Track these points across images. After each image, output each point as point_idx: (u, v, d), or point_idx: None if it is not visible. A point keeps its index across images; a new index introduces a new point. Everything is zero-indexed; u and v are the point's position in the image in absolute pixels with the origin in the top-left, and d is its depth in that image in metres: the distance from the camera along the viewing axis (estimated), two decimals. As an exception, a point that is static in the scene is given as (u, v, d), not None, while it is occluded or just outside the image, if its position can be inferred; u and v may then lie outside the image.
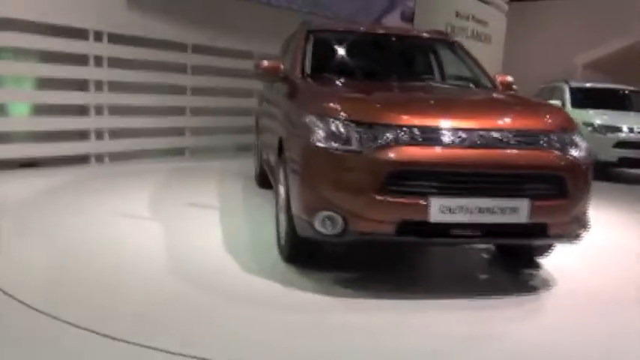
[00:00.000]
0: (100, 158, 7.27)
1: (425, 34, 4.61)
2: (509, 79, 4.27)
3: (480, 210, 2.82)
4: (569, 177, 2.94)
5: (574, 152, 3.02)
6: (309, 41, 4.28)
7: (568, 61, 15.74)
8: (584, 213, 3.09)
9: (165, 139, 8.03)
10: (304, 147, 3.04)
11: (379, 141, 2.84)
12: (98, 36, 6.98)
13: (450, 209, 2.79)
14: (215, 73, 8.44)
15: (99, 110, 7.17)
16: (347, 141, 2.89)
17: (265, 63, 4.18)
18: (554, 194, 2.92)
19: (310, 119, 3.04)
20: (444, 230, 2.87)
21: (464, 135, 2.87)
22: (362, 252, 3.79)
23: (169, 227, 4.24)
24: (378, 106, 3.09)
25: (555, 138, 3.00)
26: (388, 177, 2.79)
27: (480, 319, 2.86)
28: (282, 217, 3.53)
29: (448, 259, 3.97)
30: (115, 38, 7.15)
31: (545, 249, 3.59)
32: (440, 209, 2.79)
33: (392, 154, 2.80)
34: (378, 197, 2.80)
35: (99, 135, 7.23)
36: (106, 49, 7.07)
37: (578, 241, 3.13)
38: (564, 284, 3.39)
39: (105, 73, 7.12)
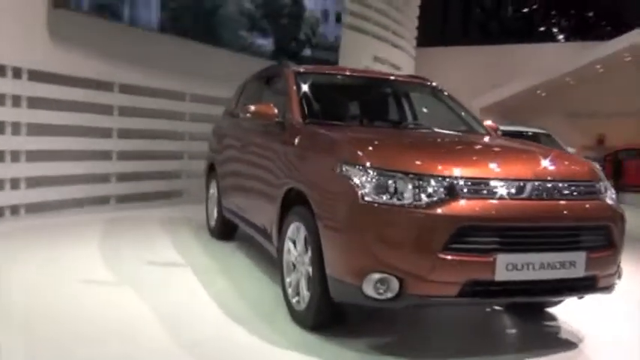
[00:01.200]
0: (15, 210, 6.33)
1: (411, 79, 4.50)
2: (495, 124, 4.28)
3: (542, 266, 2.66)
4: (614, 226, 2.90)
5: (613, 201, 3.00)
6: (300, 85, 4.01)
7: (467, 103, 16.74)
8: (620, 262, 3.06)
9: (88, 186, 7.20)
10: (348, 202, 2.72)
11: (435, 194, 2.61)
12: (17, 73, 6.16)
13: (516, 266, 2.61)
14: (145, 114, 7.82)
15: (15, 156, 6.28)
16: (401, 195, 2.63)
17: (255, 107, 3.85)
18: (604, 245, 2.86)
19: (352, 171, 2.75)
20: (507, 290, 2.68)
21: (521, 186, 2.72)
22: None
23: (147, 295, 3.64)
24: (426, 156, 2.87)
25: (598, 187, 2.96)
26: (456, 234, 2.55)
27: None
28: (303, 281, 3.15)
29: (458, 317, 3.75)
30: (36, 75, 6.35)
31: (559, 300, 3.52)
32: (506, 267, 2.60)
33: (459, 209, 2.58)
34: (443, 256, 2.55)
35: (14, 184, 6.31)
36: (25, 87, 6.25)
37: (612, 292, 3.08)
38: (589, 331, 3.34)
39: (24, 114, 6.28)
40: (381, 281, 2.62)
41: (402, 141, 3.22)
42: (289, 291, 3.37)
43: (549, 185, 2.78)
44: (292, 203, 3.42)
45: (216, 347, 2.93)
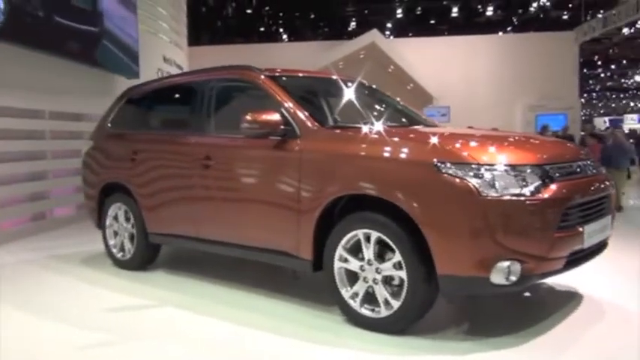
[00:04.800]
0: None
1: (360, 82, 4.62)
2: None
3: (600, 230, 3.24)
4: (613, 193, 3.61)
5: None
6: (285, 88, 3.81)
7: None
8: None
9: None
10: (468, 200, 2.82)
11: (541, 182, 2.92)
12: None
13: (591, 234, 3.12)
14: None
15: None
16: (516, 186, 2.86)
17: (256, 116, 3.55)
18: (612, 209, 3.55)
19: (463, 169, 2.86)
20: (587, 254, 3.17)
21: (578, 166, 3.24)
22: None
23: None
24: (516, 150, 3.15)
25: (596, 163, 3.65)
26: (564, 214, 2.92)
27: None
28: (380, 288, 3.17)
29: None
30: None
31: None
32: (588, 234, 3.08)
33: (561, 192, 2.94)
34: (558, 235, 2.89)
35: None
36: None
37: None
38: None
39: None
40: (509, 268, 2.82)
41: (473, 139, 3.35)
42: (355, 301, 3.28)
43: (584, 164, 3.36)
44: (344, 212, 3.32)
45: None
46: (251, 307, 3.75)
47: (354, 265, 3.28)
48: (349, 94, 4.26)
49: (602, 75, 35.64)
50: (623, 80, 37.22)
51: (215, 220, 4.10)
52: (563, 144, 3.79)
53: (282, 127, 3.58)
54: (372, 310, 3.22)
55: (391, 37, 23.40)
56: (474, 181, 2.84)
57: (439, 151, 3.02)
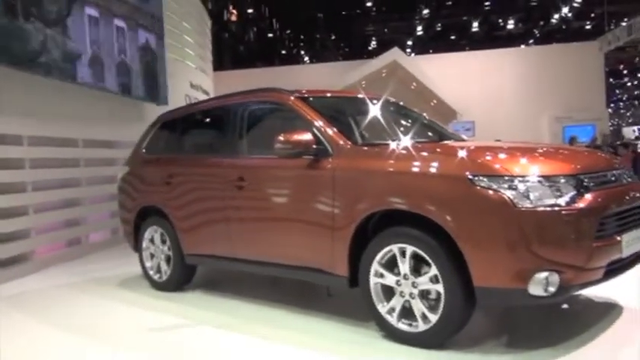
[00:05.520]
0: None
1: (386, 98, 4.69)
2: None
3: (639, 238, 3.20)
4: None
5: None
6: (315, 108, 3.89)
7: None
8: None
9: None
10: (504, 212, 2.83)
11: (576, 192, 2.93)
12: None
13: (628, 242, 3.09)
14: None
15: None
16: (552, 197, 2.87)
17: (290, 136, 3.63)
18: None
19: (496, 182, 2.88)
20: (626, 263, 3.14)
21: (613, 175, 3.23)
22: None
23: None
24: (548, 161, 3.16)
25: (627, 172, 3.62)
26: (601, 223, 2.91)
27: None
28: (417, 302, 3.19)
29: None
30: None
31: None
32: (627, 243, 3.06)
33: (597, 201, 2.94)
34: (596, 245, 2.88)
35: None
36: None
37: None
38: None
39: None
40: (547, 279, 2.82)
41: (505, 151, 3.35)
42: (392, 316, 3.29)
43: (619, 172, 3.34)
44: (376, 228, 3.35)
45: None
46: (288, 326, 3.78)
47: (389, 280, 3.30)
48: (376, 111, 4.32)
49: (629, 84, 35.18)
50: (650, 88, 36.68)
51: (249, 240, 4.17)
52: (595, 154, 3.79)
53: (314, 146, 3.65)
54: (410, 325, 3.23)
55: (412, 55, 23.54)
56: (508, 193, 2.86)
57: (471, 164, 3.04)
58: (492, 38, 24.95)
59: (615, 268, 3.07)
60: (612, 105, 42.23)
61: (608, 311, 3.72)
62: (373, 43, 28.55)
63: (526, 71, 19.75)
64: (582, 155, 3.58)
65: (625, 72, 31.85)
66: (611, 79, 32.05)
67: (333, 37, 28.16)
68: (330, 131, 3.69)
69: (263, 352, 3.36)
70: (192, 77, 12.02)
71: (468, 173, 2.97)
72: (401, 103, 4.88)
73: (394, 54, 17.95)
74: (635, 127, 40.17)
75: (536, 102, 19.19)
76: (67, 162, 7.05)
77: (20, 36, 5.66)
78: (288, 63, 26.39)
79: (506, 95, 19.55)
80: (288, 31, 27.77)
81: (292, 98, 4.05)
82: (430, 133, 4.54)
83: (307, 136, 3.66)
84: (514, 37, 25.44)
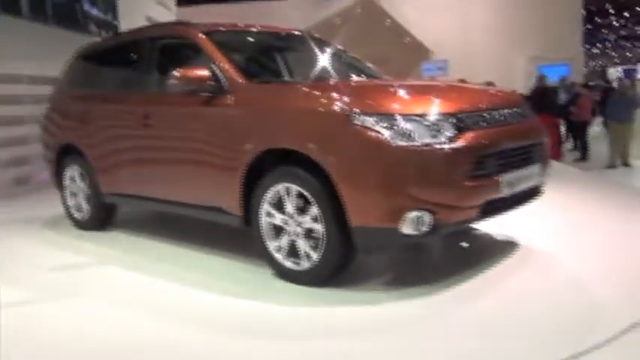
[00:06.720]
0: None
1: (300, 32, 4.53)
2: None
3: (523, 179, 3.19)
4: (546, 141, 3.56)
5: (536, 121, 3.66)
6: (219, 45, 3.75)
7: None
8: None
9: None
10: (379, 150, 2.78)
11: (454, 131, 2.87)
12: None
13: (510, 182, 3.08)
14: None
15: None
16: (427, 135, 2.82)
17: (185, 72, 3.52)
18: (543, 157, 3.50)
19: (374, 119, 2.82)
20: (507, 203, 3.14)
21: (501, 114, 3.17)
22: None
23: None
24: (430, 98, 3.08)
25: (527, 111, 3.57)
26: (475, 163, 2.88)
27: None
28: (301, 241, 3.17)
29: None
30: None
31: None
32: (507, 184, 3.04)
33: (475, 140, 2.89)
34: (469, 184, 2.86)
35: None
36: None
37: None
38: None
39: None
40: (418, 218, 2.81)
41: (389, 89, 3.32)
42: (280, 255, 3.30)
43: (511, 111, 3.29)
44: (267, 166, 3.30)
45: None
46: (193, 265, 3.79)
47: (278, 219, 3.29)
48: (291, 48, 4.19)
49: (616, 24, 34.53)
50: (636, 28, 36.05)
51: (157, 179, 4.12)
52: (486, 92, 3.69)
53: (210, 82, 3.55)
54: (296, 264, 3.25)
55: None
56: (383, 131, 2.80)
57: (351, 101, 2.97)
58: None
59: (495, 207, 3.06)
60: (599, 45, 41.63)
61: (504, 249, 3.75)
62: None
63: (503, 9, 19.28)
64: (470, 94, 3.50)
65: (612, 11, 31.13)
66: (597, 19, 31.41)
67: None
68: (227, 67, 3.58)
69: (157, 292, 3.38)
70: (150, 11, 11.61)
71: (345, 110, 2.91)
72: (324, 40, 4.72)
73: (368, -11, 17.42)
74: (619, 68, 39.93)
75: (511, 41, 18.85)
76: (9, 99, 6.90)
77: None
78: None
79: (481, 34, 19.15)
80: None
81: (197, 34, 3.90)
82: (348, 72, 4.42)
83: (202, 72, 3.54)
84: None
